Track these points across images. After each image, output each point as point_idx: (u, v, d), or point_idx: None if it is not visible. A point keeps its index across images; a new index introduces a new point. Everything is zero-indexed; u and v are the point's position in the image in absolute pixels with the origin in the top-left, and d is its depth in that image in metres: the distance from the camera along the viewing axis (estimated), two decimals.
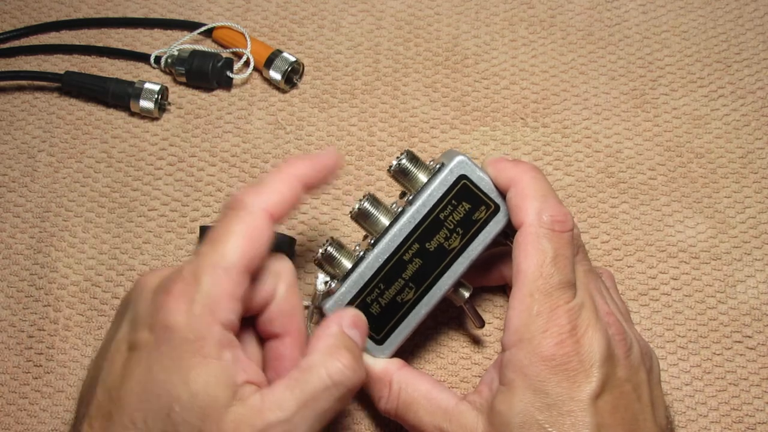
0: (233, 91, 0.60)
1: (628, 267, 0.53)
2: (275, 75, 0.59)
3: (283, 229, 0.54)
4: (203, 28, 0.61)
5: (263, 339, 0.42)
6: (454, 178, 0.44)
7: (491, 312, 0.51)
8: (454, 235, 0.44)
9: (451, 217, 0.44)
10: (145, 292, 0.39)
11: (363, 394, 0.47)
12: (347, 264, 0.44)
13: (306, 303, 0.49)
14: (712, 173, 0.56)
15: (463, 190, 0.44)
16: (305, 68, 0.60)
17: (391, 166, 0.45)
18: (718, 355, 0.50)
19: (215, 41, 0.62)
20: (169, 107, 0.59)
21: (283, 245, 0.50)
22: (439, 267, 0.44)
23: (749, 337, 0.51)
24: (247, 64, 0.59)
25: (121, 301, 0.41)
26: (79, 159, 0.57)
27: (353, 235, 0.54)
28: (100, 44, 0.62)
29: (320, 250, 0.44)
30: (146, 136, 0.58)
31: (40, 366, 0.51)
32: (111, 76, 0.59)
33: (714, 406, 0.49)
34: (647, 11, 0.63)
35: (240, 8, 0.63)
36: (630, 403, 0.40)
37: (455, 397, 0.43)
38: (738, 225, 0.54)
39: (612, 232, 0.54)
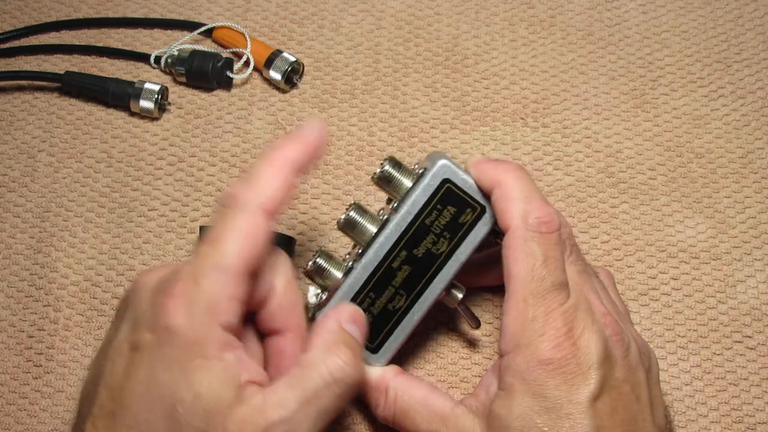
0: (233, 91, 0.60)
1: (628, 267, 0.53)
2: (275, 75, 0.59)
3: (283, 229, 0.54)
4: (203, 28, 0.61)
5: (263, 335, 0.42)
6: (438, 183, 0.44)
7: (491, 312, 0.51)
8: (442, 239, 0.44)
9: (437, 222, 0.44)
10: (145, 292, 0.39)
11: (361, 400, 0.47)
12: (337, 274, 0.44)
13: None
14: (712, 173, 0.56)
15: (448, 193, 0.44)
16: (305, 68, 0.60)
17: (374, 174, 0.44)
18: (718, 355, 0.50)
19: (215, 41, 0.62)
20: (169, 107, 0.59)
21: (283, 245, 0.50)
22: (428, 272, 0.44)
23: (749, 337, 0.51)
24: (247, 64, 0.59)
25: (120, 300, 0.41)
26: (79, 159, 0.57)
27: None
28: (100, 44, 0.62)
29: (309, 263, 0.44)
30: (146, 136, 0.58)
31: (40, 366, 0.51)
32: (111, 76, 0.59)
33: (714, 406, 0.49)
34: (647, 11, 0.63)
35: (240, 8, 0.63)
36: (629, 403, 0.40)
37: (452, 402, 0.43)
38: (738, 225, 0.54)
39: (612, 232, 0.54)
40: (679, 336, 0.51)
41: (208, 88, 0.60)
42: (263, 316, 0.41)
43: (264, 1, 0.63)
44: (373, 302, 0.44)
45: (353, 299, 0.44)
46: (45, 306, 0.52)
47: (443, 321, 0.51)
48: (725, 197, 0.55)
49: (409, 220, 0.44)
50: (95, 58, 0.61)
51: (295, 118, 0.58)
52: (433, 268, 0.44)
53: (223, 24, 0.61)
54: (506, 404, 0.40)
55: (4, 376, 0.51)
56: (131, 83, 0.58)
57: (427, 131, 0.58)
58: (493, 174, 0.43)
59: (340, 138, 0.58)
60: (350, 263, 0.44)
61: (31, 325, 0.52)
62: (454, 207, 0.44)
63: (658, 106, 0.59)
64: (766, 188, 0.55)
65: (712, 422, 0.49)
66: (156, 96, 0.57)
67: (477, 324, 0.48)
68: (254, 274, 0.39)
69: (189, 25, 0.62)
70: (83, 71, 0.60)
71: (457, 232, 0.44)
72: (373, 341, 0.45)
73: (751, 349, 0.51)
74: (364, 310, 0.44)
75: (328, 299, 0.44)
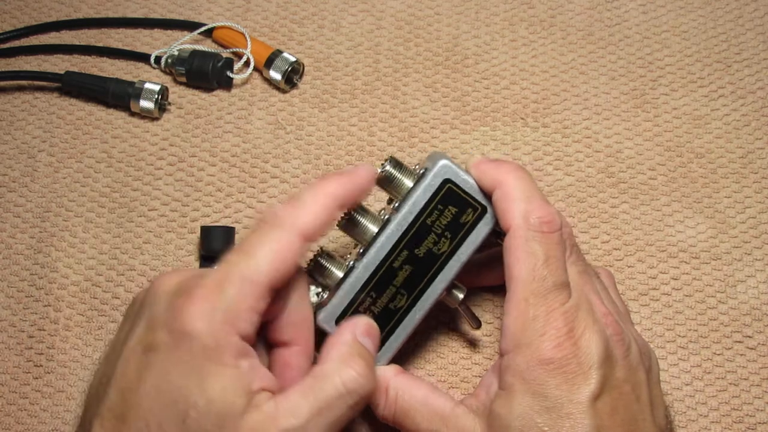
0: (233, 91, 0.60)
1: (628, 267, 0.53)
2: (275, 75, 0.59)
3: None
4: (203, 28, 0.61)
5: (271, 345, 0.42)
6: (439, 183, 0.44)
7: (492, 312, 0.51)
8: (443, 239, 0.44)
9: (438, 222, 0.44)
10: (163, 294, 0.38)
11: None
12: (338, 274, 0.44)
13: None
14: (712, 173, 0.56)
15: (449, 194, 0.44)
16: (305, 68, 0.60)
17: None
18: (719, 355, 0.50)
19: (215, 41, 0.62)
20: (169, 107, 0.59)
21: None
22: (429, 272, 0.44)
23: (749, 337, 0.51)
24: (247, 64, 0.59)
25: (133, 300, 0.41)
26: (79, 159, 0.57)
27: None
28: (100, 44, 0.62)
29: (311, 261, 0.44)
30: (146, 136, 0.58)
31: (41, 366, 0.51)
32: (111, 76, 0.59)
33: (714, 406, 0.49)
34: (647, 11, 0.63)
35: (240, 8, 0.63)
36: (629, 403, 0.40)
37: (452, 402, 0.43)
38: (738, 225, 0.54)
39: (612, 232, 0.54)
40: (679, 336, 0.51)
41: (208, 88, 0.60)
42: (274, 327, 0.41)
43: (264, 1, 0.63)
44: (374, 302, 0.44)
45: (354, 298, 0.44)
46: (45, 306, 0.52)
47: (444, 321, 0.51)
48: (725, 197, 0.55)
49: (410, 219, 0.44)
50: (95, 58, 0.61)
51: (295, 118, 0.58)
52: (434, 268, 0.44)
53: (223, 24, 0.61)
54: (506, 404, 0.40)
55: (5, 376, 0.51)
56: (131, 83, 0.58)
57: (427, 131, 0.58)
58: (494, 174, 0.43)
59: (340, 138, 0.58)
60: (351, 262, 0.44)
61: (32, 325, 0.52)
62: (455, 207, 0.44)
63: (658, 106, 0.59)
64: (766, 188, 0.55)
65: (713, 422, 0.49)
66: (156, 96, 0.57)
67: (478, 324, 0.48)
68: (277, 292, 0.39)
69: (189, 25, 0.62)
70: (83, 71, 0.60)
71: (458, 232, 0.44)
72: None
73: (752, 349, 0.51)
74: (365, 310, 0.44)
75: (329, 298, 0.44)
